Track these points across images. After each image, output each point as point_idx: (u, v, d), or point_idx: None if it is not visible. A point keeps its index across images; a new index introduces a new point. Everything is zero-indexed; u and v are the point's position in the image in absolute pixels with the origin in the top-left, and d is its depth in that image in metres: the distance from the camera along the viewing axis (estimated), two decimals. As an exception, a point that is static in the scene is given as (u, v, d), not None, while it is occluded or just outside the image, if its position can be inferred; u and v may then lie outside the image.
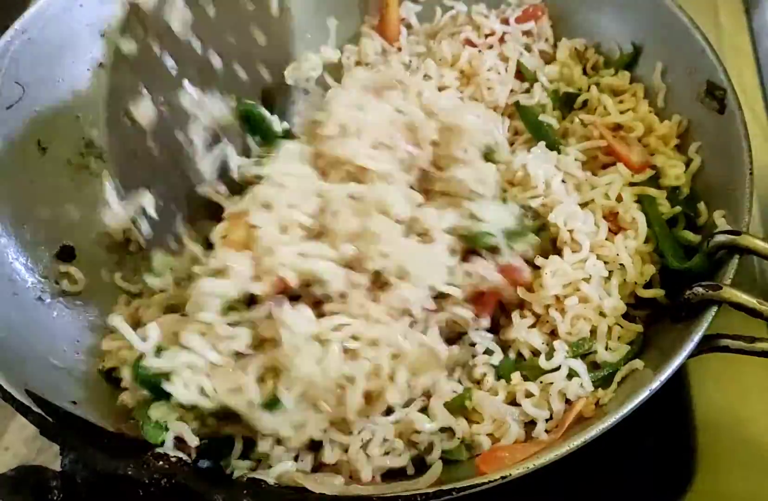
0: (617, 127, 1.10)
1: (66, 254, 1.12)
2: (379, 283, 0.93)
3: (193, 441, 0.89)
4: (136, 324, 0.97)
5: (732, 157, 0.97)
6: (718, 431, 1.07)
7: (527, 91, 1.18)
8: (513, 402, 0.95)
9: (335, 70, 1.30)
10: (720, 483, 1.03)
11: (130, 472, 0.80)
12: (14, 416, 1.04)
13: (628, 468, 1.05)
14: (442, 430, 0.93)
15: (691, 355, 0.87)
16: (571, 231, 0.98)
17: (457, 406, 0.94)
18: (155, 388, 0.89)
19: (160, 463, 0.85)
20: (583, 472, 0.98)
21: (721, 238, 0.89)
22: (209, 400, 0.88)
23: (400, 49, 1.28)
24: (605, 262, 0.98)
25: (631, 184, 1.03)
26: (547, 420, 0.93)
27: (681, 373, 1.09)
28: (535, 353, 0.97)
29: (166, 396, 0.88)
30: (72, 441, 0.84)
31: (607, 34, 1.19)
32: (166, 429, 0.90)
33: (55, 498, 0.76)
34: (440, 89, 1.17)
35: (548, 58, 1.22)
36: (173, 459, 0.87)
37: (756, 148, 0.97)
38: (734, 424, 1.07)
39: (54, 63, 1.15)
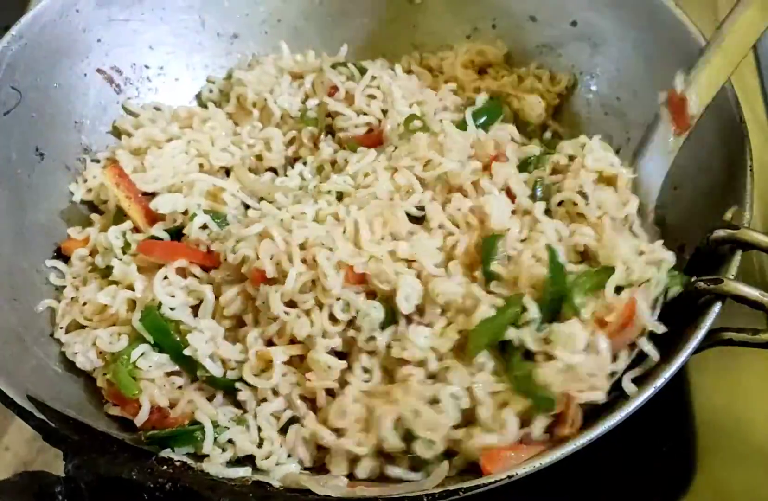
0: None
1: (62, 257, 1.12)
2: None
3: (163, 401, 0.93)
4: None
5: (732, 155, 0.97)
6: (718, 431, 1.07)
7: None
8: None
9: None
10: (720, 483, 1.03)
11: (134, 477, 0.80)
12: (14, 417, 1.02)
13: (628, 468, 1.05)
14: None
15: (696, 350, 0.87)
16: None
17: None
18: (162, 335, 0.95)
19: (165, 467, 0.85)
20: (583, 472, 0.98)
21: (720, 233, 0.89)
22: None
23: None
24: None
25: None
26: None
27: (681, 372, 1.08)
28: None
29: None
30: (75, 446, 0.83)
31: (606, 34, 1.19)
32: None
33: (58, 504, 0.76)
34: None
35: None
36: (177, 463, 0.87)
37: (756, 147, 0.97)
38: (734, 424, 1.07)
39: (51, 68, 1.15)
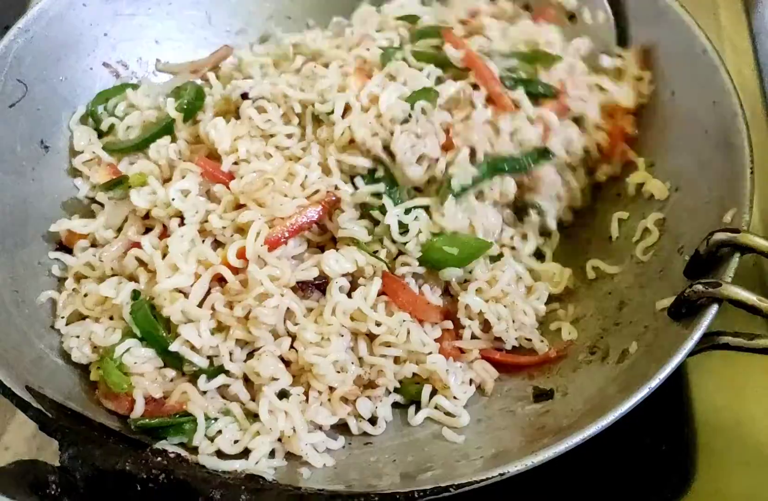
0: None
1: (66, 249, 1.12)
2: None
3: (157, 393, 0.94)
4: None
5: (733, 158, 0.97)
6: (718, 431, 1.07)
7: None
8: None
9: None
10: (720, 483, 1.03)
11: (128, 468, 0.80)
12: (14, 415, 1.05)
13: (627, 468, 1.05)
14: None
15: (692, 353, 0.87)
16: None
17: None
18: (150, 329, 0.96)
19: (159, 458, 0.85)
20: (582, 471, 0.99)
21: (720, 236, 0.89)
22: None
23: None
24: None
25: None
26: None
27: (681, 373, 1.09)
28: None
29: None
30: (71, 436, 0.84)
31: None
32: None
33: (53, 493, 0.76)
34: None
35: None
36: (172, 455, 0.87)
37: (756, 147, 0.97)
38: (734, 424, 1.07)
39: (57, 62, 1.16)
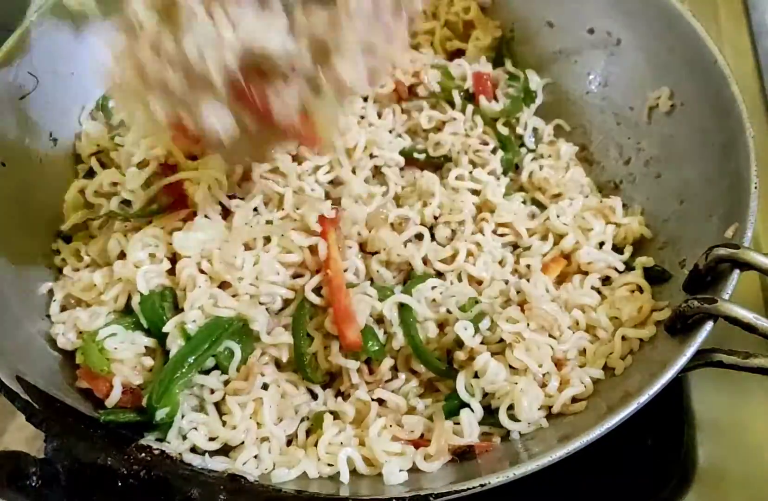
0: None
1: (69, 239, 1.13)
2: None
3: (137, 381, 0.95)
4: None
5: (739, 172, 0.95)
6: (718, 433, 1.06)
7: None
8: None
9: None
10: (719, 484, 1.02)
11: (109, 463, 0.80)
12: (14, 416, 1.04)
13: (626, 472, 1.04)
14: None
15: (685, 369, 0.86)
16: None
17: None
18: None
19: (143, 455, 0.85)
20: (581, 475, 0.98)
21: (720, 251, 0.87)
22: None
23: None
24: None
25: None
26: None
27: (682, 379, 1.08)
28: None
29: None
30: (56, 428, 0.84)
31: (622, 42, 1.18)
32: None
33: (33, 484, 0.76)
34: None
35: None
36: (156, 451, 0.87)
37: (757, 147, 0.96)
38: (734, 426, 1.06)
39: (68, 56, 1.17)
